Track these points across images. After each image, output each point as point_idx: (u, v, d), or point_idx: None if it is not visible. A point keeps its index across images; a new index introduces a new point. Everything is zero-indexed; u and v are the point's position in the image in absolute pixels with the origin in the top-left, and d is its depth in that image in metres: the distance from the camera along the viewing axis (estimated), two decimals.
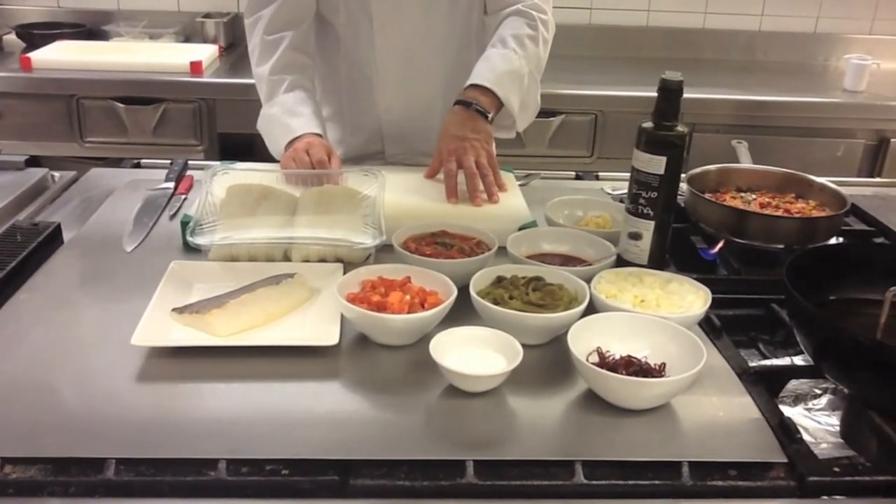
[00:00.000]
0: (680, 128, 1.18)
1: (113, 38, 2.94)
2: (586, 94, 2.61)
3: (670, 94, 1.17)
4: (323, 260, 1.24)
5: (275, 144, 1.59)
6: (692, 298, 1.11)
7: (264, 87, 1.62)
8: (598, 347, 0.99)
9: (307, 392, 0.97)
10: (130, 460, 0.84)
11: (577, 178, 1.78)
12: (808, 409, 1.01)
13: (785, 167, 1.54)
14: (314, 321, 1.09)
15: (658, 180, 1.18)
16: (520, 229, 1.32)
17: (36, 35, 2.86)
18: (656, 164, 1.17)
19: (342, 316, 1.07)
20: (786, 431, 0.91)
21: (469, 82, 1.55)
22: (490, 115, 1.53)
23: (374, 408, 0.95)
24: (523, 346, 0.98)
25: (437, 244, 1.24)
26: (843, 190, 1.43)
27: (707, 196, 1.42)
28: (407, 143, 1.73)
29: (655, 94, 1.19)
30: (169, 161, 1.67)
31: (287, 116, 1.57)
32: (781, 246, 1.32)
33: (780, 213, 1.40)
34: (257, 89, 1.65)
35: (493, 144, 1.58)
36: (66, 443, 0.87)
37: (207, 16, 2.98)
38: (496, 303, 1.06)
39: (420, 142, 1.70)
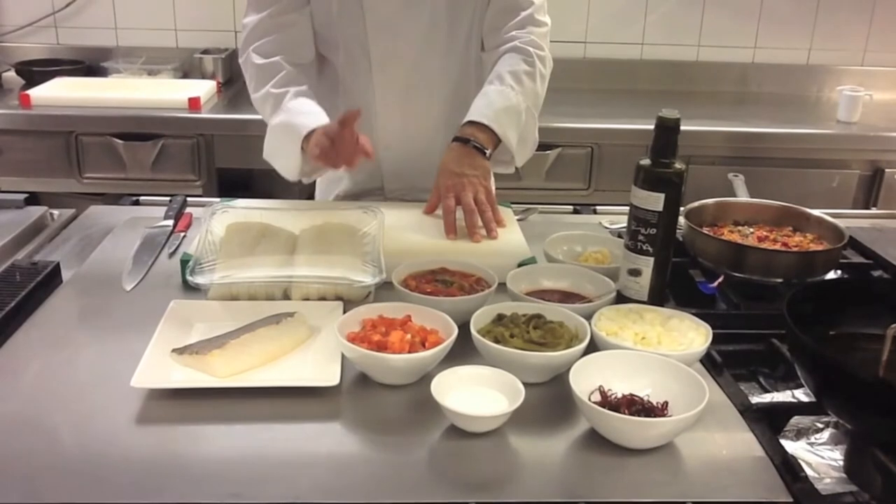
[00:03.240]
0: (678, 164, 1.18)
1: (111, 75, 2.96)
2: (582, 127, 2.63)
3: (668, 131, 1.17)
4: (323, 298, 1.24)
5: (287, 158, 1.53)
6: (693, 335, 1.11)
7: (269, 103, 1.56)
8: (601, 386, 0.99)
9: (308, 433, 0.96)
10: None
11: (575, 212, 1.79)
12: (811, 444, 1.00)
13: (780, 198, 1.55)
14: (314, 361, 1.08)
15: (657, 217, 1.18)
16: (519, 265, 1.32)
17: (35, 72, 2.88)
18: (655, 201, 1.18)
19: (343, 355, 1.07)
20: (790, 469, 0.90)
21: (466, 119, 1.55)
22: (488, 152, 1.54)
23: (376, 449, 0.95)
24: (524, 384, 0.98)
25: (436, 281, 1.24)
26: (840, 222, 1.44)
27: (705, 230, 1.42)
28: (407, 179, 1.74)
29: (651, 127, 1.19)
30: (168, 198, 1.67)
31: (296, 117, 1.51)
32: (780, 280, 1.32)
33: (777, 246, 1.41)
34: (261, 113, 1.61)
35: (492, 180, 1.58)
36: (64, 487, 0.86)
37: (206, 52, 3.01)
38: (497, 341, 1.06)
39: (420, 178, 1.70)
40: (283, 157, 1.56)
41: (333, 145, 1.40)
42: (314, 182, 1.80)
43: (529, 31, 1.63)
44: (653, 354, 1.04)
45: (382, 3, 1.56)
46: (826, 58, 3.19)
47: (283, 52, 1.59)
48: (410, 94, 1.65)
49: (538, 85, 1.63)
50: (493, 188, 1.55)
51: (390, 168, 1.74)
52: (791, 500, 0.87)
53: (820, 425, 1.03)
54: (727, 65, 3.17)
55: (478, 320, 1.11)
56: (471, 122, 1.55)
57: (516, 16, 1.63)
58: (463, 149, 1.53)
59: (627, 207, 1.23)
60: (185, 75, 3.04)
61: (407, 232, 1.46)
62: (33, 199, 1.68)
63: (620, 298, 1.24)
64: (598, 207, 1.79)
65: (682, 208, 1.27)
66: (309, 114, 1.52)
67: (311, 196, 1.90)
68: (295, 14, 1.58)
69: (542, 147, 2.53)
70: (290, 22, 1.59)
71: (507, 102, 1.56)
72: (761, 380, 1.15)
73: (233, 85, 2.98)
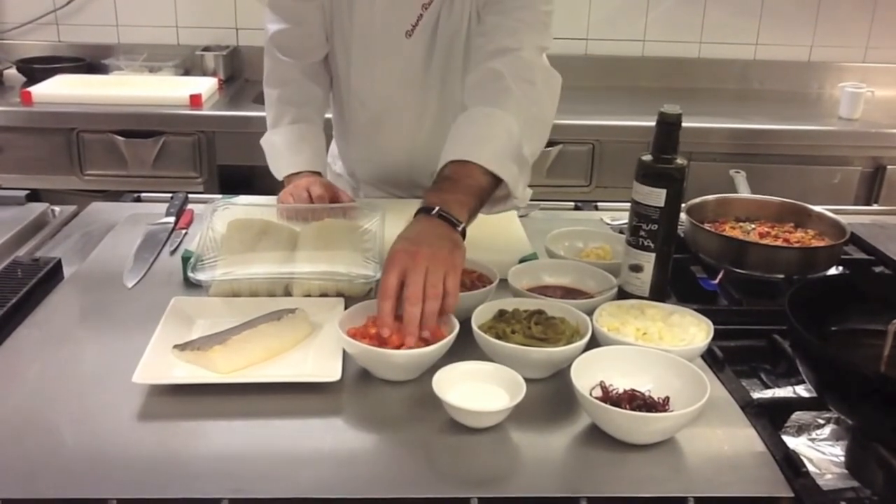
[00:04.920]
0: (679, 160, 1.18)
1: (113, 72, 2.96)
2: (583, 124, 2.63)
3: (669, 127, 1.17)
4: (324, 294, 1.24)
5: (275, 168, 1.61)
6: (694, 331, 1.11)
7: (272, 111, 1.63)
8: (602, 381, 0.99)
9: (310, 429, 0.97)
10: (132, 501, 0.84)
11: (576, 208, 1.79)
12: (812, 440, 1.00)
13: (782, 195, 1.55)
14: (316, 357, 1.09)
15: (658, 213, 1.18)
16: (520, 262, 1.32)
17: (36, 69, 2.88)
18: (656, 197, 1.18)
19: (344, 351, 1.07)
20: (791, 465, 0.90)
21: (441, 161, 1.26)
22: (461, 226, 1.16)
23: (378, 445, 0.95)
24: (526, 379, 0.98)
25: None
26: (842, 218, 1.44)
27: (706, 226, 1.42)
28: (382, 189, 1.73)
29: (652, 124, 1.19)
30: (169, 195, 1.67)
31: (289, 150, 1.58)
32: (782, 276, 1.32)
33: (779, 242, 1.41)
34: (265, 107, 1.66)
35: (463, 258, 1.14)
36: (66, 483, 0.86)
37: (207, 49, 3.01)
38: (498, 337, 1.06)
39: (393, 188, 1.71)
40: (271, 165, 1.62)
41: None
42: None
43: (513, 55, 1.39)
44: (654, 350, 1.04)
45: (366, 37, 1.54)
46: (828, 54, 3.19)
47: (296, 47, 1.60)
48: (381, 127, 1.63)
49: (524, 94, 1.35)
50: (461, 266, 1.12)
51: (363, 179, 1.75)
52: (792, 495, 0.87)
53: (821, 421, 1.03)
54: (729, 61, 3.17)
55: (479, 316, 1.11)
56: (441, 177, 1.24)
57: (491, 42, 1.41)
58: (425, 221, 1.15)
59: (629, 203, 1.23)
60: (187, 72, 3.03)
61: None
62: (35, 196, 1.68)
63: (622, 294, 1.24)
64: (599, 204, 1.78)
65: (683, 204, 1.27)
66: (300, 152, 1.57)
67: None
68: (308, 3, 1.55)
69: None
70: (304, 12, 1.56)
71: (481, 129, 1.29)
72: (762, 376, 1.16)
73: (234, 82, 2.98)
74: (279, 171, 1.59)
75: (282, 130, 1.61)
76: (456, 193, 1.19)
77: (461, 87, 1.51)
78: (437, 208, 1.15)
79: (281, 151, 1.59)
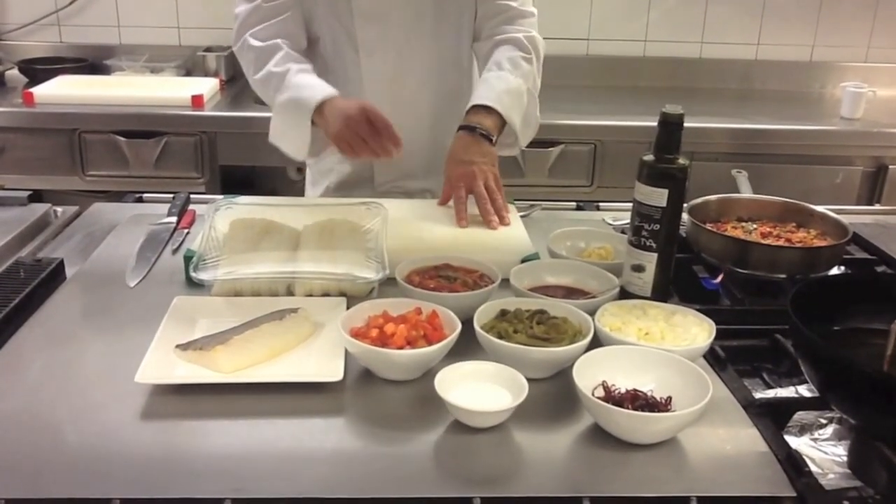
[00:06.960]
0: (681, 160, 1.18)
1: (115, 73, 2.96)
2: (585, 124, 2.63)
3: (671, 127, 1.17)
4: (326, 294, 1.24)
5: (295, 135, 1.54)
6: (696, 331, 1.11)
7: (272, 83, 1.55)
8: (604, 381, 0.99)
9: (312, 429, 0.97)
10: (135, 500, 0.84)
11: (578, 208, 1.79)
12: (815, 440, 1.00)
13: (784, 195, 1.55)
14: (318, 356, 1.09)
15: (660, 213, 1.18)
16: (523, 261, 1.32)
17: (38, 70, 2.88)
18: (658, 197, 1.18)
19: (346, 351, 1.07)
20: (794, 465, 0.90)
21: (470, 104, 1.58)
22: (494, 138, 1.56)
23: (380, 444, 0.95)
24: (528, 379, 0.98)
25: (440, 277, 1.24)
26: (844, 218, 1.44)
27: (708, 226, 1.42)
28: (396, 167, 1.71)
29: (653, 124, 1.19)
30: (171, 195, 1.67)
31: (303, 91, 1.51)
32: (784, 276, 1.32)
33: (781, 242, 1.41)
34: (263, 95, 1.61)
35: (498, 166, 1.59)
36: (69, 483, 0.86)
37: (208, 49, 3.01)
38: (500, 337, 1.06)
39: (409, 164, 1.69)
40: (291, 135, 1.56)
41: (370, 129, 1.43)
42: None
43: (520, 24, 1.67)
44: (656, 350, 1.04)
45: None
46: (829, 54, 3.19)
47: (279, 38, 1.60)
48: (398, 81, 1.66)
49: (535, 67, 1.66)
50: (497, 170, 1.57)
51: (381, 169, 1.74)
52: (795, 495, 0.87)
53: (823, 421, 1.03)
54: (730, 61, 3.17)
55: (481, 316, 1.11)
56: (474, 108, 1.57)
57: (506, 12, 1.67)
58: (470, 137, 1.55)
59: (631, 203, 1.23)
60: (188, 73, 3.04)
61: (410, 228, 1.46)
62: (37, 196, 1.68)
63: (624, 294, 1.24)
64: (601, 204, 1.79)
65: (685, 204, 1.27)
66: (314, 87, 1.52)
67: (303, 189, 1.91)
68: (287, 0, 1.58)
69: (545, 144, 2.56)
70: (283, 9, 1.59)
71: (507, 85, 1.59)
72: (765, 375, 1.16)
73: (236, 82, 2.98)
74: (307, 106, 1.47)
75: (289, 84, 1.52)
76: (489, 119, 1.56)
77: (467, 24, 1.68)
78: (477, 127, 1.54)
79: (296, 98, 1.50)
